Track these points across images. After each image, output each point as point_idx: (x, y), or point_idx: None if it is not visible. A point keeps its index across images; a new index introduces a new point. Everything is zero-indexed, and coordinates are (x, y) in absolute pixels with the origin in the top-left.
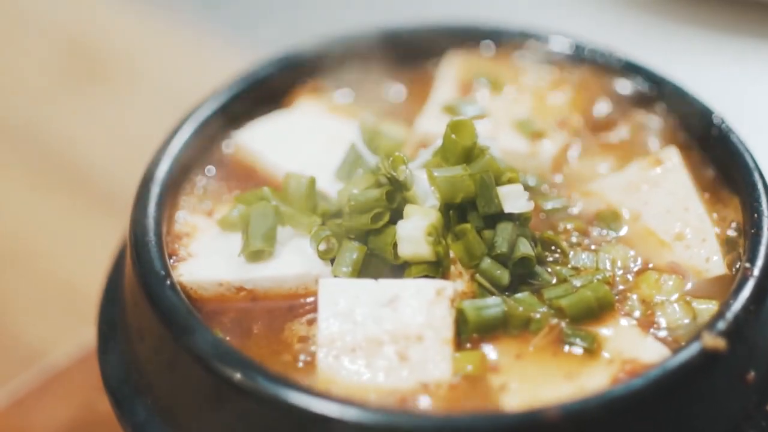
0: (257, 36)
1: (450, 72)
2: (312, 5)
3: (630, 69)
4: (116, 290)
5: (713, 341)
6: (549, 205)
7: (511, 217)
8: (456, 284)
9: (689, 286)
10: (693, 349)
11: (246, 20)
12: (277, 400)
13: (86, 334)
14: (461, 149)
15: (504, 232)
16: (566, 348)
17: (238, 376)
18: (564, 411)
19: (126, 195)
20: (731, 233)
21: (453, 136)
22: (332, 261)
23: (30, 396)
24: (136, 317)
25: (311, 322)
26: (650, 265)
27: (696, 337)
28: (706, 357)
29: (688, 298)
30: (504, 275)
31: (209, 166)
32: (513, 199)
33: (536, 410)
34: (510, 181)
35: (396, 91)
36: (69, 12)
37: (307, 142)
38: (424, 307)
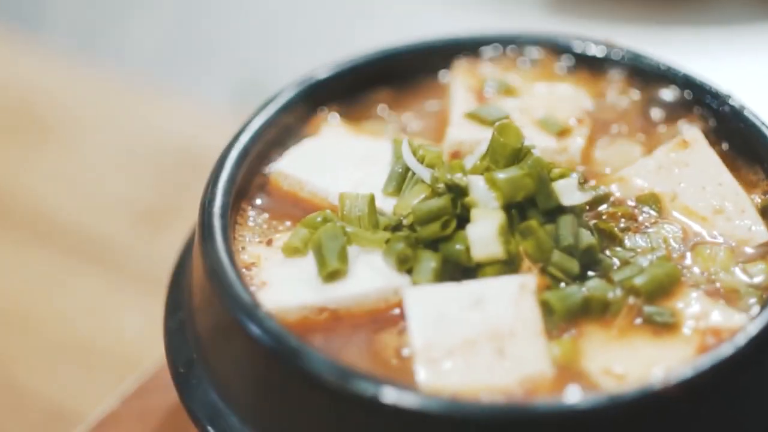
0: (203, 89)
1: (461, 82)
2: (254, 58)
3: (634, 60)
4: (185, 331)
5: None
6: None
7: (568, 210)
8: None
9: (739, 254)
10: None
11: (191, 74)
12: (399, 408)
13: (105, 386)
14: (510, 151)
15: (566, 224)
16: (648, 324)
17: (359, 388)
18: (676, 381)
19: (97, 242)
20: (765, 201)
21: (501, 139)
22: (408, 271)
23: None
24: (228, 350)
25: (401, 332)
26: (698, 240)
27: None
28: None
29: (741, 266)
30: (574, 265)
31: (255, 198)
32: (568, 193)
33: (650, 384)
34: (561, 176)
35: (405, 108)
36: (14, 71)
37: (343, 163)
38: (511, 303)
